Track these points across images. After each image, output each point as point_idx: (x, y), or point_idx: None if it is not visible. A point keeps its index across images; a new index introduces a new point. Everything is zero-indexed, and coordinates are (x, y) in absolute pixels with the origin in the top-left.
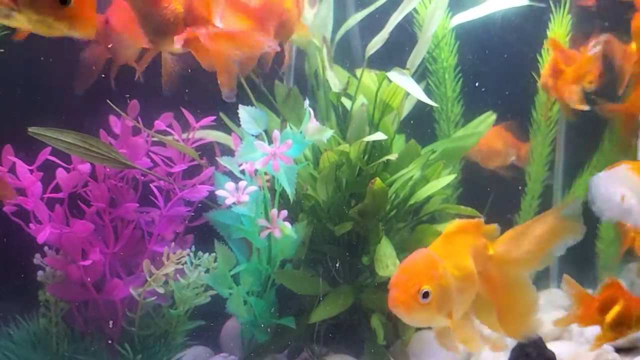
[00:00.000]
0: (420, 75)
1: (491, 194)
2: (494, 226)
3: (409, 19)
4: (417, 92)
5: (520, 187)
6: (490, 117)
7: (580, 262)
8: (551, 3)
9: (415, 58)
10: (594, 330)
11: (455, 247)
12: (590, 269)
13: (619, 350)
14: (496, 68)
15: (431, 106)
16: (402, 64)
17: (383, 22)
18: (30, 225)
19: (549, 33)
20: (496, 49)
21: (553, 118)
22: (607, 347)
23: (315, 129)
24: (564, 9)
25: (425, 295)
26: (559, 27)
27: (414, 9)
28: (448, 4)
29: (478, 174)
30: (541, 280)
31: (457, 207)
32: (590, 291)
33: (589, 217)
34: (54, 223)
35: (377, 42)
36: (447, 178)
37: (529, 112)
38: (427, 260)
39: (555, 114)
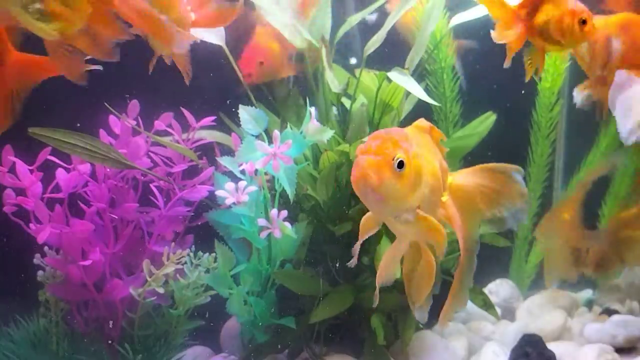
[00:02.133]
0: (419, 75)
1: None
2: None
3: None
4: (418, 91)
5: None
6: (490, 117)
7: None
8: None
9: (414, 57)
10: (594, 330)
11: (427, 143)
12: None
13: (619, 350)
14: (494, 68)
15: (430, 106)
16: (400, 64)
17: (382, 21)
18: (30, 225)
19: None
20: (493, 49)
21: (554, 119)
22: (607, 347)
23: (315, 129)
24: None
25: (400, 164)
26: None
27: (412, 9)
28: (446, 3)
29: None
30: (541, 280)
31: None
32: (590, 291)
33: (589, 218)
34: (54, 223)
35: (375, 42)
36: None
37: (529, 113)
38: (401, 132)
39: (556, 115)
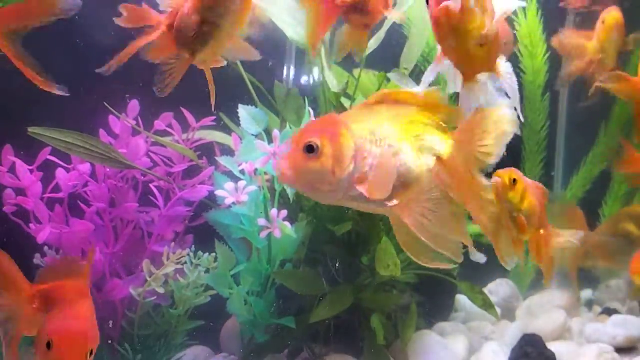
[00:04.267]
0: (418, 76)
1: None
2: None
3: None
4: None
5: None
6: None
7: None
8: None
9: (411, 57)
10: (594, 330)
11: (379, 116)
12: (591, 269)
13: (619, 350)
14: None
15: None
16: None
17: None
18: (30, 225)
19: (518, 28)
20: None
21: (542, 113)
22: (607, 347)
23: None
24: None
25: (310, 149)
26: (532, 22)
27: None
28: None
29: None
30: (541, 280)
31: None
32: (590, 292)
33: (589, 217)
34: (54, 223)
35: (374, 42)
36: None
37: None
38: (324, 119)
39: (544, 109)
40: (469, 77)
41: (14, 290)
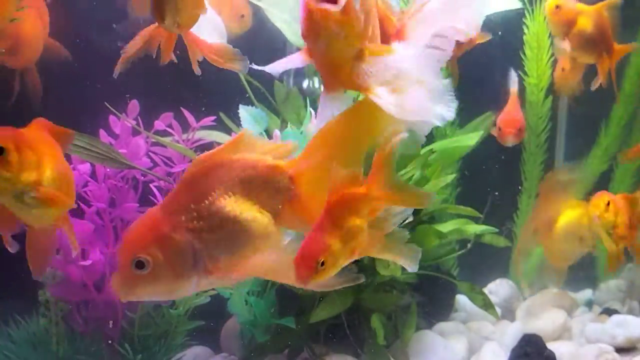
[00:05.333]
0: None
1: (490, 193)
2: None
3: None
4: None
5: (519, 187)
6: (489, 117)
7: (580, 262)
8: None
9: None
10: (594, 330)
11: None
12: (590, 269)
13: (619, 350)
14: (484, 66)
15: None
16: None
17: None
18: None
19: (526, 31)
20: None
21: (544, 116)
22: (607, 347)
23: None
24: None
25: (140, 264)
26: (539, 25)
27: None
28: None
29: (477, 173)
30: (541, 280)
31: (457, 207)
32: (590, 292)
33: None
34: None
35: None
36: (447, 178)
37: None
38: (143, 222)
39: (546, 112)
40: (330, 86)
41: None
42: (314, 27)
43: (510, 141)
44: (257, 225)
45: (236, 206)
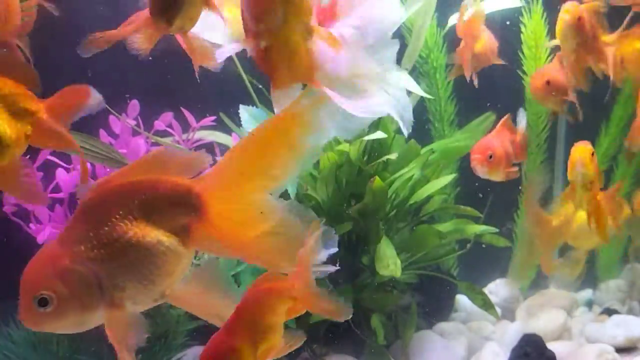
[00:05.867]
0: (415, 77)
1: (490, 194)
2: None
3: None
4: (414, 88)
5: (520, 187)
6: (489, 117)
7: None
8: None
9: (410, 57)
10: (594, 330)
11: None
12: (591, 269)
13: (619, 350)
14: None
15: (425, 106)
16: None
17: None
18: (30, 225)
19: (523, 29)
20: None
21: (543, 116)
22: (607, 347)
23: None
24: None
25: (43, 302)
26: (537, 24)
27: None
28: (437, 3)
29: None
30: (541, 280)
31: (457, 207)
32: (590, 292)
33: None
34: (54, 223)
35: None
36: (447, 178)
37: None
38: (45, 253)
39: (546, 111)
40: (279, 80)
41: None
42: (261, 3)
43: (479, 171)
44: (162, 249)
45: (138, 230)
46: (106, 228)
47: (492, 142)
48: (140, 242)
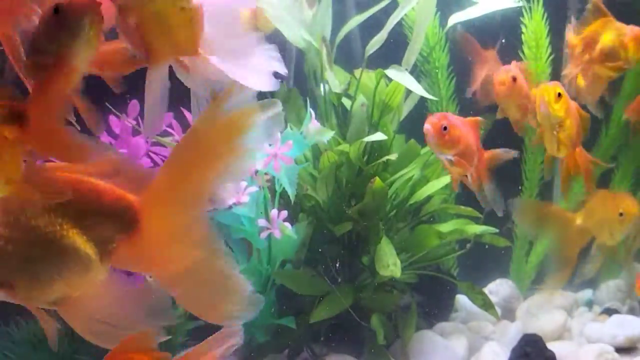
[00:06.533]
0: (415, 76)
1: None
2: None
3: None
4: (416, 88)
5: (520, 187)
6: (489, 117)
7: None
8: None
9: (410, 56)
10: (594, 330)
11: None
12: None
13: (619, 350)
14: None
15: (427, 106)
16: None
17: (382, 21)
18: None
19: (524, 30)
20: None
21: None
22: (607, 347)
23: (315, 130)
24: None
25: None
26: (538, 24)
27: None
28: (437, 3)
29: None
30: (541, 280)
31: (457, 207)
32: (590, 292)
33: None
34: None
35: (376, 42)
36: (447, 178)
37: None
38: None
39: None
40: (156, 58)
41: None
42: None
43: (430, 142)
44: (74, 257)
45: (58, 229)
46: (23, 217)
47: (451, 117)
48: (52, 242)
